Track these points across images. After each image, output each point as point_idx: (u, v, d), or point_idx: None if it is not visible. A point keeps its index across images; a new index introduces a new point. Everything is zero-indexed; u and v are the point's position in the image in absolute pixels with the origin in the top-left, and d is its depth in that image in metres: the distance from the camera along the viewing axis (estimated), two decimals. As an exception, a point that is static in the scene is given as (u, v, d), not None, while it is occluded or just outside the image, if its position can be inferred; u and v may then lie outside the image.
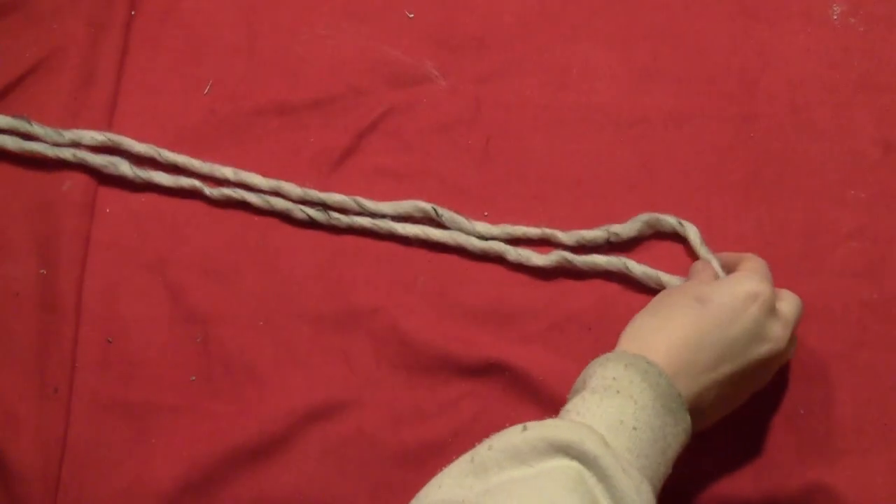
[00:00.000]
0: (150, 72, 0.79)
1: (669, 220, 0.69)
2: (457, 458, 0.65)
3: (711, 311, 0.57)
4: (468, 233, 0.72)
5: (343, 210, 0.73)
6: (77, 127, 0.75)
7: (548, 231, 0.71)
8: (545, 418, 0.52)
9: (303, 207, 0.73)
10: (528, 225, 0.71)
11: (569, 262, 0.69)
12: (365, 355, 0.69)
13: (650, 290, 0.68)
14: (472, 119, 0.76)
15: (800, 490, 0.63)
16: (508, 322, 0.70)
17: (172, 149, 0.75)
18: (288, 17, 0.80)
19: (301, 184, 0.74)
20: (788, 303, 0.61)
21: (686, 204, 0.72)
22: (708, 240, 0.70)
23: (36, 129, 0.74)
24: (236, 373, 0.69)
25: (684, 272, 0.68)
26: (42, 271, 0.72)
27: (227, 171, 0.74)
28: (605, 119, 0.75)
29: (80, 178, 0.74)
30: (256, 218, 0.74)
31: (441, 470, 0.50)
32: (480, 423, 0.67)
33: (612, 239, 0.70)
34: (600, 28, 0.78)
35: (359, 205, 0.73)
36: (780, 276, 0.68)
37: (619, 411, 0.51)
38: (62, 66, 0.78)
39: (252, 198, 0.73)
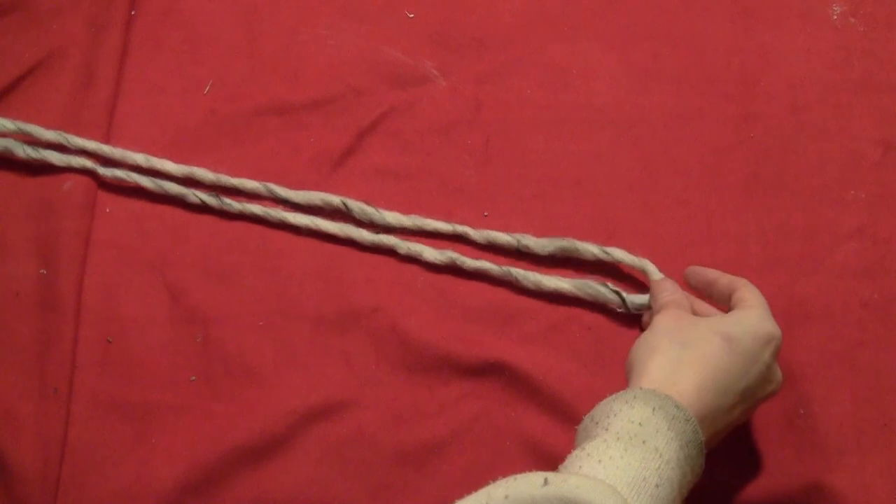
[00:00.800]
0: (150, 72, 0.79)
1: (591, 249, 0.68)
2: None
3: (737, 353, 0.56)
4: (377, 223, 0.72)
5: (252, 196, 0.74)
6: (77, 127, 0.75)
7: (459, 228, 0.71)
8: (566, 461, 0.50)
9: (196, 192, 0.73)
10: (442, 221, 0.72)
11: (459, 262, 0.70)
12: (365, 355, 0.69)
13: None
14: (472, 119, 0.76)
15: (800, 490, 0.63)
16: (508, 322, 0.70)
17: (173, 148, 0.75)
18: (288, 17, 0.80)
19: (301, 184, 0.74)
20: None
21: (686, 204, 0.72)
22: (708, 240, 0.70)
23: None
24: (236, 373, 0.69)
25: None
26: (42, 271, 0.72)
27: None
28: (605, 119, 0.75)
29: (81, 179, 0.74)
30: (257, 218, 0.74)
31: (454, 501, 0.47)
32: (480, 423, 0.67)
33: (522, 249, 0.70)
34: (600, 28, 0.78)
35: (269, 191, 0.73)
36: (780, 276, 0.69)
37: (643, 465, 0.49)
38: (62, 67, 0.78)
39: (144, 181, 0.73)
